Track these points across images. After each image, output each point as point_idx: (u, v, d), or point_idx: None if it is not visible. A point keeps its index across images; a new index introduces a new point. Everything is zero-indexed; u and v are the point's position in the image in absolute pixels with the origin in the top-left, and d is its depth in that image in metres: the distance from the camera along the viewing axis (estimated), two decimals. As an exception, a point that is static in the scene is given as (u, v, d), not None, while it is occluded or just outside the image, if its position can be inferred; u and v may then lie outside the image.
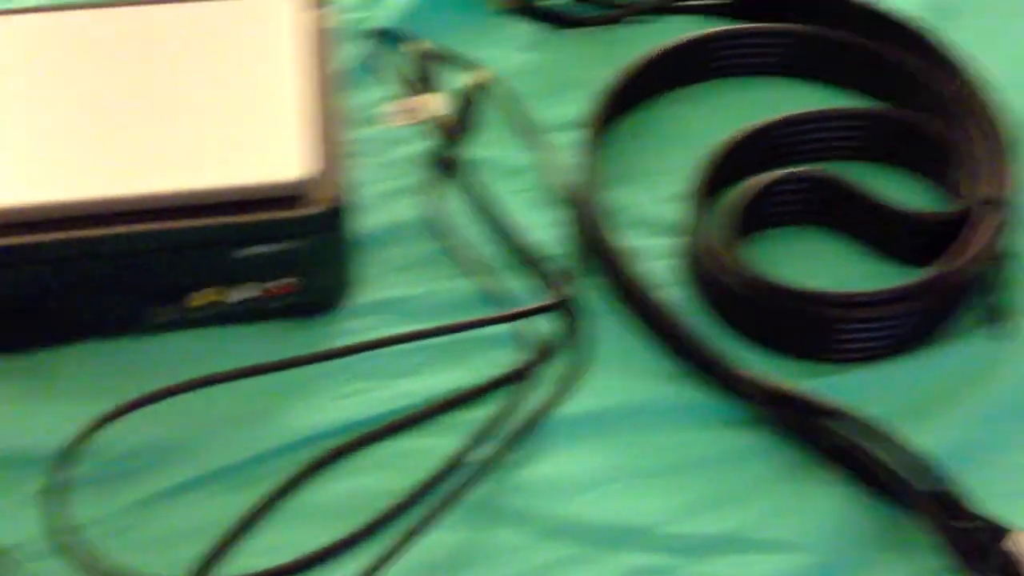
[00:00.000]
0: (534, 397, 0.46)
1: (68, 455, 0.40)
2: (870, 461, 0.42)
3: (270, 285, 0.48)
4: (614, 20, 0.68)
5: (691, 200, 0.52)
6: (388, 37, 0.66)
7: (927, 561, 0.41)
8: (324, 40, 0.56)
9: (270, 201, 0.46)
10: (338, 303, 0.50)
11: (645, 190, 0.56)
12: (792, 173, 0.53)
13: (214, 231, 0.46)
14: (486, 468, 0.43)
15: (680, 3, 0.67)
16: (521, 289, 0.51)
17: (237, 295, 0.47)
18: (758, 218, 0.53)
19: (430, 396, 0.46)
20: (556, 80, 0.64)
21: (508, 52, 0.66)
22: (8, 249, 0.44)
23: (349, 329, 0.49)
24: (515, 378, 0.46)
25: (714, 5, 0.66)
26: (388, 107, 0.62)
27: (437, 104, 0.62)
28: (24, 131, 0.48)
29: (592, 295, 0.51)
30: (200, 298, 0.47)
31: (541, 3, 0.67)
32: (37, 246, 0.44)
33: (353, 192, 0.48)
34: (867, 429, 0.43)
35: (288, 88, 0.51)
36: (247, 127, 0.49)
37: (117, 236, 0.45)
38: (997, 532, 0.40)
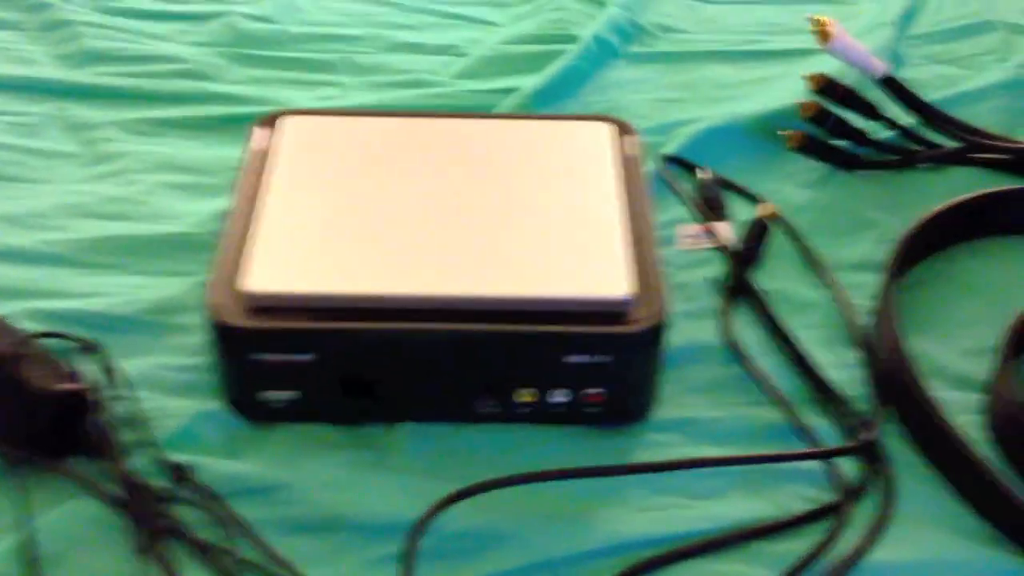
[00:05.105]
0: (844, 539, 0.46)
1: (420, 527, 0.43)
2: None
3: (585, 392, 0.50)
4: (903, 165, 0.69)
5: (999, 356, 0.52)
6: (679, 164, 0.70)
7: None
8: (634, 165, 0.60)
9: (594, 314, 0.49)
10: (643, 416, 0.52)
11: (940, 340, 0.57)
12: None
13: (545, 337, 0.49)
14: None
15: (975, 155, 0.67)
16: (820, 425, 0.52)
17: (556, 397, 0.50)
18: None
19: (733, 521, 0.47)
20: (841, 219, 0.66)
21: (793, 188, 0.69)
22: (360, 333, 0.48)
23: (652, 442, 0.51)
24: (824, 516, 0.47)
25: (1006, 160, 0.67)
26: (679, 230, 0.65)
27: (726, 232, 0.64)
28: (382, 227, 0.53)
29: (891, 441, 0.51)
30: (522, 396, 0.50)
31: (831, 142, 0.69)
32: (384, 333, 0.48)
33: (668, 311, 0.50)
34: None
35: (610, 209, 0.55)
36: (576, 243, 0.52)
37: (458, 332, 0.48)
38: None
